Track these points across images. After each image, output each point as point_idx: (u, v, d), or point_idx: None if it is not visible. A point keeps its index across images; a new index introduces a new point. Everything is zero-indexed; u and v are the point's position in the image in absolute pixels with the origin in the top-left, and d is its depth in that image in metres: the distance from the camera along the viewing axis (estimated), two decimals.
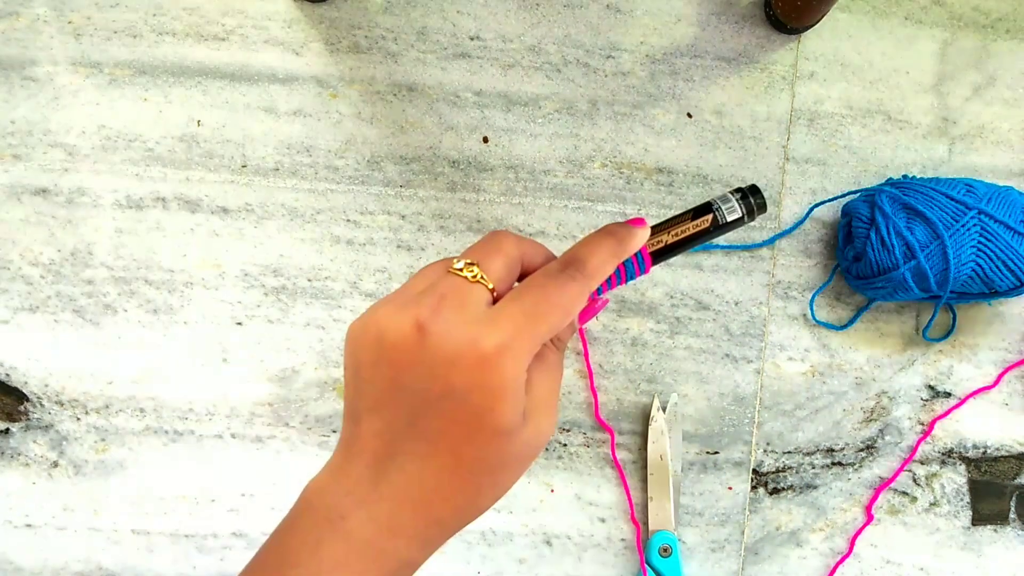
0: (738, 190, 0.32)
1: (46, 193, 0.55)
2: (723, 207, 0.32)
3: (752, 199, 0.32)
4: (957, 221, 0.49)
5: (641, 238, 0.32)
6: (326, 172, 0.56)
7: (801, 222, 0.56)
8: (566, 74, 0.56)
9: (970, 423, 0.57)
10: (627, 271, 0.32)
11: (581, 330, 0.56)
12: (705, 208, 0.32)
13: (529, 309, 0.27)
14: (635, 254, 0.32)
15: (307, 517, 0.29)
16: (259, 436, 0.55)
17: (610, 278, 0.32)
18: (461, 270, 0.29)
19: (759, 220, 0.56)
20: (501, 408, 0.27)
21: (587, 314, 0.32)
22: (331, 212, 0.55)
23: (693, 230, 0.32)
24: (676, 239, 0.32)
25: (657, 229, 0.33)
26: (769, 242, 0.56)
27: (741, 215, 0.32)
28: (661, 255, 0.32)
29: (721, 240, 0.56)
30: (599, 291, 0.32)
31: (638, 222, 0.32)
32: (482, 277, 0.29)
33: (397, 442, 0.28)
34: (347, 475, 0.28)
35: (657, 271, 0.56)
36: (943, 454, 0.56)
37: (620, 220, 0.34)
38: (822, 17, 0.55)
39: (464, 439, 0.27)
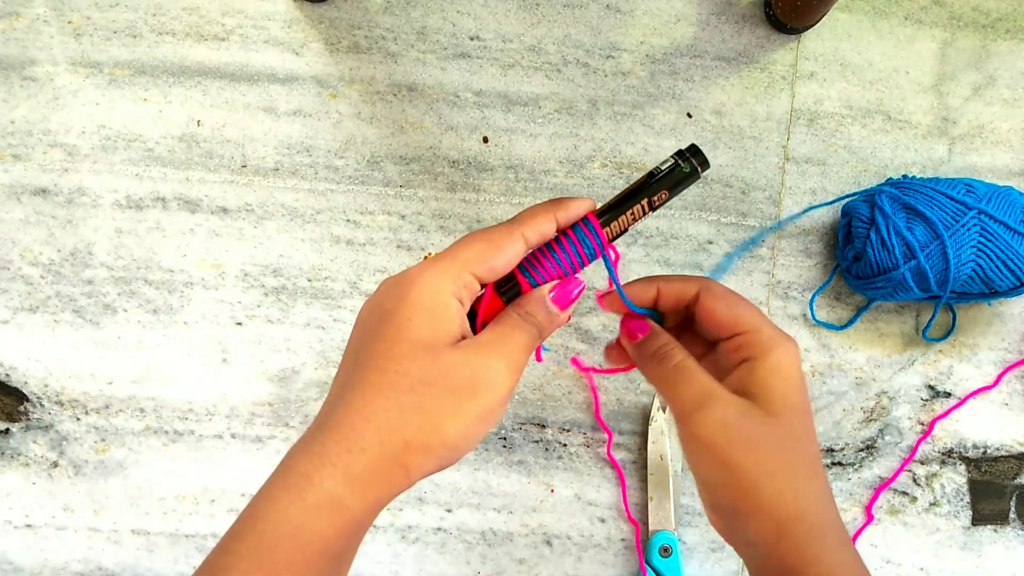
0: (678, 152, 0.34)
1: (46, 193, 0.55)
2: (660, 165, 0.34)
3: (688, 154, 0.34)
4: (957, 221, 0.49)
5: (581, 202, 0.34)
6: (326, 172, 0.56)
7: (795, 217, 0.56)
8: (566, 74, 0.56)
9: (970, 423, 0.57)
10: (580, 241, 0.33)
11: (609, 367, 0.56)
12: (646, 179, 0.35)
13: (457, 244, 0.31)
14: (585, 224, 0.33)
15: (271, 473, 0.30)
16: (259, 436, 0.55)
17: (570, 255, 0.33)
18: (427, 256, 0.32)
19: (758, 220, 0.56)
20: (417, 317, 0.29)
21: (563, 298, 0.33)
22: (331, 212, 0.55)
23: (631, 187, 0.34)
24: (616, 198, 0.34)
25: (605, 210, 0.34)
26: (760, 236, 0.56)
27: (675, 163, 0.33)
28: (606, 213, 0.34)
29: (722, 241, 0.56)
30: (562, 267, 0.33)
31: (584, 201, 0.34)
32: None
33: (345, 382, 0.29)
34: (309, 429, 0.30)
35: (657, 271, 0.56)
36: (943, 454, 0.56)
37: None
38: (822, 17, 0.55)
39: (384, 353, 0.29)
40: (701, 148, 0.34)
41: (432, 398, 0.28)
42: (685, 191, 0.35)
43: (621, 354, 0.38)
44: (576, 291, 0.33)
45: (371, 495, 0.28)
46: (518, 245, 0.32)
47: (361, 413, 0.28)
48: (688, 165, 0.33)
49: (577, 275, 0.34)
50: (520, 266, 0.34)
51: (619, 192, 0.34)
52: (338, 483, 0.27)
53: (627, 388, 0.55)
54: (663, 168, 0.34)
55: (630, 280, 0.37)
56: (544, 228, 0.32)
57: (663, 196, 0.34)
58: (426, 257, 0.33)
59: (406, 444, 0.28)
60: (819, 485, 0.32)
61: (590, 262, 0.34)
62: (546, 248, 0.34)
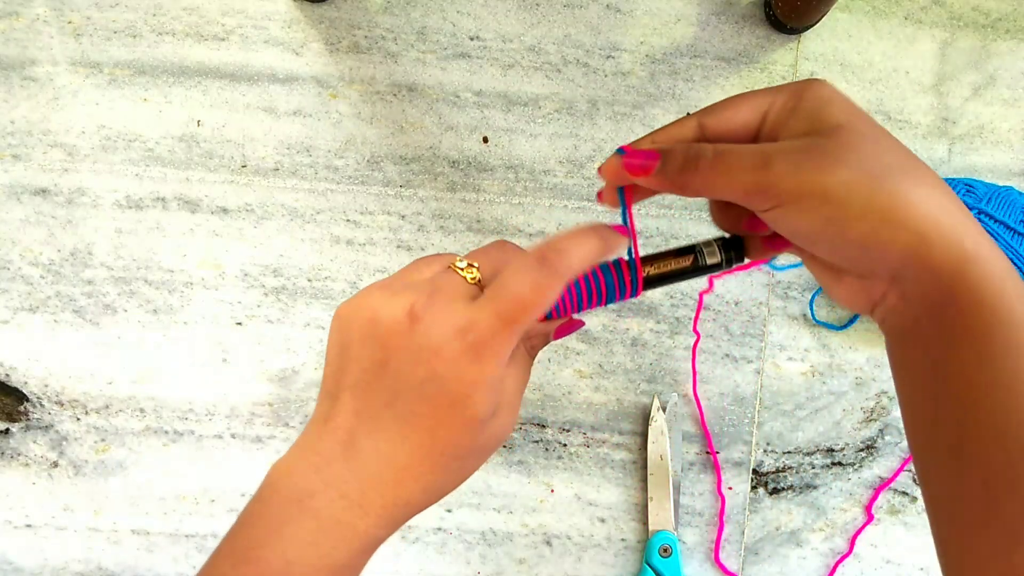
0: (721, 239, 0.33)
1: (46, 193, 0.55)
2: (704, 250, 0.33)
3: (733, 250, 0.33)
4: None
5: (624, 243, 0.31)
6: (326, 172, 0.56)
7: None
8: (566, 74, 0.56)
9: None
10: (619, 287, 0.32)
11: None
12: (688, 250, 0.33)
13: (507, 306, 0.28)
14: (628, 274, 0.32)
15: (274, 497, 0.29)
16: (259, 436, 0.55)
17: (602, 292, 0.32)
18: (463, 269, 0.30)
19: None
20: (478, 398, 0.28)
21: (563, 331, 0.33)
22: (331, 212, 0.55)
23: (675, 266, 0.33)
24: (658, 272, 0.33)
25: (643, 261, 0.33)
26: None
27: (719, 261, 0.33)
28: (649, 284, 0.33)
29: None
30: (590, 304, 0.32)
31: (620, 229, 0.32)
32: (480, 281, 0.30)
33: (374, 420, 0.28)
34: (317, 452, 0.29)
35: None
36: None
37: (619, 221, 0.34)
38: (822, 17, 0.55)
39: (440, 423, 0.28)
40: (743, 242, 0.33)
41: (472, 461, 0.30)
42: None
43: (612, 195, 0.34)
44: (577, 327, 0.34)
45: (395, 527, 0.30)
46: (559, 292, 0.29)
47: (409, 473, 0.29)
48: (728, 264, 0.33)
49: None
50: None
51: (660, 254, 0.33)
52: (380, 529, 0.29)
53: (627, 388, 0.56)
54: (708, 261, 0.33)
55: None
56: (587, 268, 0.30)
57: (685, 275, 0.33)
58: (454, 267, 0.30)
59: (441, 496, 0.31)
60: (931, 175, 0.27)
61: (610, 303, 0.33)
62: (583, 285, 0.32)
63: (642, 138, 0.32)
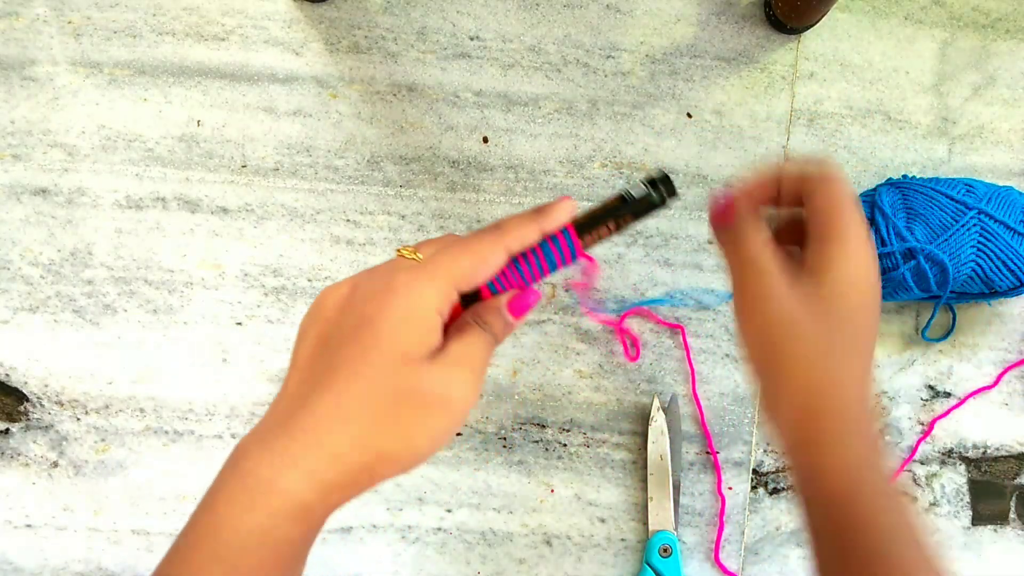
0: (649, 177, 0.35)
1: (46, 193, 0.55)
2: (632, 191, 0.35)
3: (661, 185, 0.35)
4: (957, 221, 0.49)
5: (562, 208, 0.33)
6: (326, 172, 0.56)
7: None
8: (566, 74, 0.56)
9: (970, 423, 0.57)
10: (556, 247, 0.33)
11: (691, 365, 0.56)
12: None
13: (443, 255, 0.30)
14: (563, 235, 0.33)
15: (220, 470, 0.29)
16: None
17: (544, 267, 0.33)
18: (408, 252, 0.32)
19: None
20: (401, 327, 0.28)
21: (520, 308, 0.33)
22: (331, 212, 0.55)
23: (602, 210, 0.34)
24: (586, 215, 0.34)
25: (583, 218, 0.35)
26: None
27: (648, 193, 0.34)
28: (582, 229, 0.34)
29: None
30: (532, 275, 0.33)
31: (562, 198, 0.34)
32: (415, 253, 0.31)
33: (314, 379, 0.29)
34: (263, 422, 0.29)
35: (657, 271, 0.56)
36: (943, 454, 0.56)
37: None
38: (822, 17, 0.55)
39: (364, 360, 0.28)
40: (671, 176, 0.35)
41: (407, 411, 0.28)
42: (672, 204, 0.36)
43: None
44: (533, 301, 0.33)
45: (336, 499, 0.28)
46: (500, 257, 0.31)
47: (334, 420, 0.28)
48: (658, 195, 0.34)
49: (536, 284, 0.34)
50: None
51: (590, 209, 0.35)
52: (305, 489, 0.27)
53: (627, 388, 0.56)
54: (635, 196, 0.34)
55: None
56: (528, 239, 0.32)
57: (628, 219, 0.34)
58: (399, 252, 0.32)
59: (379, 454, 0.28)
60: (852, 373, 0.32)
61: (554, 271, 0.34)
62: (519, 257, 0.33)
63: (738, 189, 0.37)
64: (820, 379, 0.31)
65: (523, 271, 0.33)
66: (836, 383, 0.31)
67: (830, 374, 0.31)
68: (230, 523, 0.27)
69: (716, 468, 0.55)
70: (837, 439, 0.31)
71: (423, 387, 0.28)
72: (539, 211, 0.33)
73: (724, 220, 0.36)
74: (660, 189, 0.34)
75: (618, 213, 0.34)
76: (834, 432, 0.31)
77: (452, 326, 0.31)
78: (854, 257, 0.32)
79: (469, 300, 0.33)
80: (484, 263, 0.31)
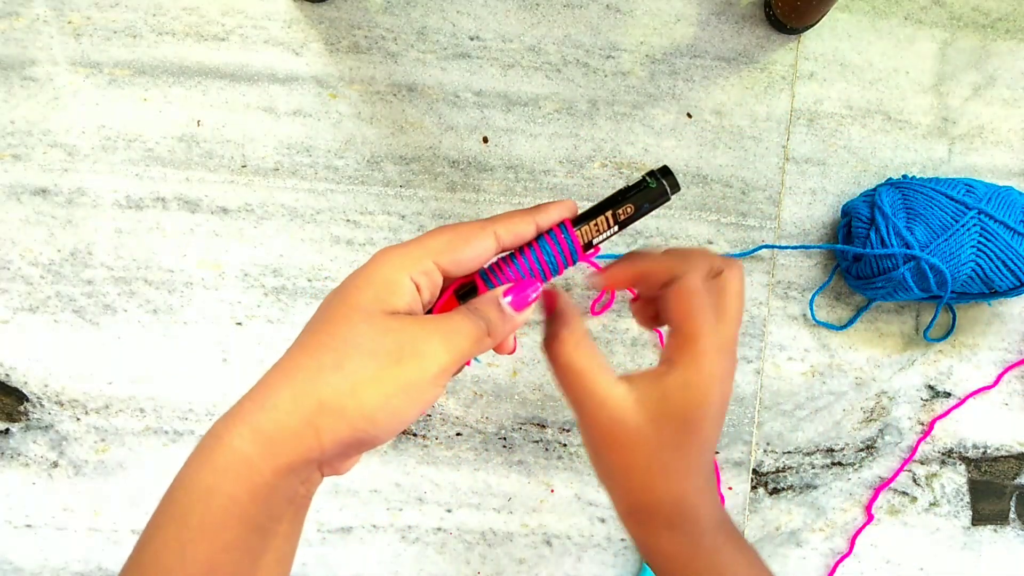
0: (652, 171, 0.35)
1: (46, 193, 0.55)
2: (631, 183, 0.35)
3: (660, 174, 0.34)
4: (957, 221, 0.49)
5: (559, 206, 0.33)
6: (326, 172, 0.56)
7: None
8: (566, 74, 0.56)
9: (970, 423, 0.57)
10: (553, 241, 0.33)
11: None
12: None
13: (426, 233, 0.31)
14: (560, 229, 0.33)
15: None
16: None
17: (540, 261, 0.33)
18: None
19: (758, 220, 0.56)
20: (364, 286, 0.29)
21: (519, 299, 0.32)
22: (331, 212, 0.55)
23: (602, 201, 0.34)
24: (587, 211, 0.34)
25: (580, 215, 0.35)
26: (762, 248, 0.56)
27: (646, 183, 0.34)
28: (579, 222, 0.34)
29: (722, 241, 0.56)
30: (531, 272, 0.33)
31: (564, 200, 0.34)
32: None
33: (295, 346, 0.29)
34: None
35: None
36: (943, 454, 0.56)
37: None
38: (822, 17, 0.55)
39: (321, 315, 0.29)
40: (673, 171, 0.35)
41: (353, 359, 0.27)
42: (670, 200, 0.36)
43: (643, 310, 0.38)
44: (533, 293, 0.32)
45: (281, 458, 0.26)
46: (488, 241, 0.31)
47: (281, 370, 0.27)
48: (656, 183, 0.34)
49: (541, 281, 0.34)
50: (482, 271, 0.33)
51: (591, 205, 0.35)
52: (246, 442, 0.26)
53: None
54: (633, 185, 0.34)
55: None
56: (520, 229, 0.32)
57: (628, 210, 0.34)
58: None
59: (320, 404, 0.26)
60: (677, 486, 0.33)
61: (556, 272, 0.34)
62: (516, 252, 0.33)
63: (633, 258, 0.35)
64: (646, 488, 0.32)
65: (521, 267, 0.33)
66: (663, 490, 0.32)
67: (657, 484, 0.32)
68: (182, 481, 0.27)
69: (714, 468, 0.55)
70: (669, 538, 0.33)
71: (375, 336, 0.27)
72: (536, 207, 0.33)
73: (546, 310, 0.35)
74: (660, 180, 0.34)
75: (617, 204, 0.34)
76: (664, 532, 0.33)
77: (444, 308, 0.32)
78: (686, 396, 0.33)
79: (468, 298, 0.33)
80: (465, 241, 0.30)
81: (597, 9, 0.57)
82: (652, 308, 0.37)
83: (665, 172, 0.34)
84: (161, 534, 0.27)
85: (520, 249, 0.33)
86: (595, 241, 0.34)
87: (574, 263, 0.34)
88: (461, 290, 0.33)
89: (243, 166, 0.55)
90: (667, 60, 0.57)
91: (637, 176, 0.56)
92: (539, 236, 0.33)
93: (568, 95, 0.56)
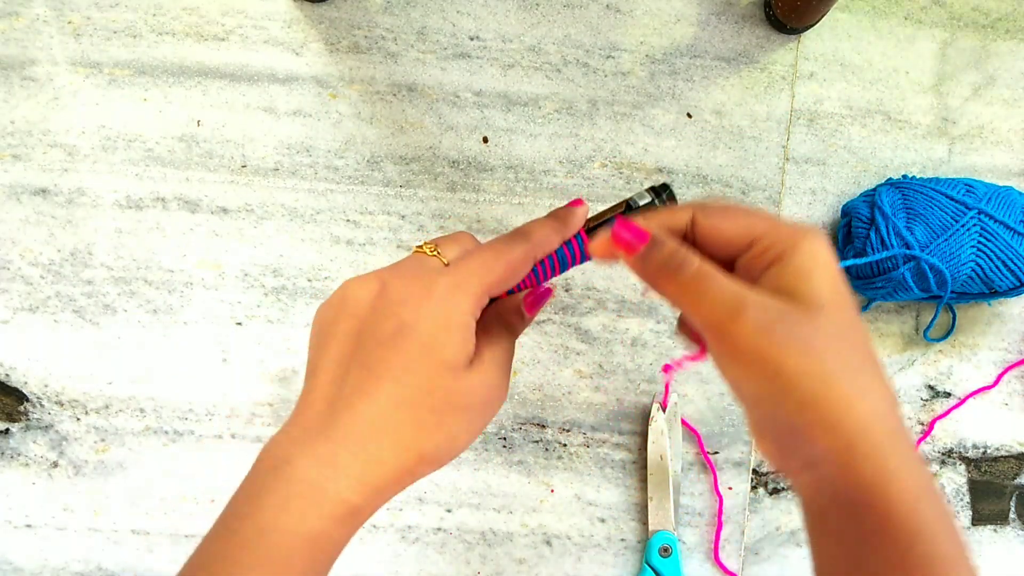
0: (652, 186, 0.36)
1: (46, 193, 0.55)
2: (636, 198, 0.36)
3: (664, 193, 0.36)
4: (957, 221, 0.49)
5: (580, 215, 0.34)
6: (326, 172, 0.56)
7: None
8: (566, 74, 0.56)
9: (970, 423, 0.57)
10: (569, 253, 0.35)
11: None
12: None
13: (476, 262, 0.31)
14: (575, 238, 0.35)
15: (257, 469, 0.29)
16: (259, 436, 0.55)
17: (555, 262, 0.35)
18: (422, 247, 0.32)
19: None
20: (444, 338, 0.29)
21: (535, 303, 0.34)
22: (331, 212, 0.55)
23: (609, 214, 0.36)
24: (596, 222, 0.36)
25: (589, 221, 0.36)
26: None
27: (651, 200, 0.35)
28: (591, 232, 0.36)
29: None
30: (545, 276, 0.35)
31: (576, 202, 0.35)
32: (438, 253, 0.32)
33: (349, 383, 0.29)
34: (297, 424, 0.29)
35: None
36: (943, 454, 0.56)
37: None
38: (822, 17, 0.55)
39: (408, 369, 0.29)
40: (672, 188, 0.36)
41: (452, 417, 0.29)
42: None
43: (688, 330, 0.36)
44: (546, 298, 0.35)
45: (381, 500, 0.29)
46: (529, 267, 0.33)
47: (378, 426, 0.28)
48: (660, 203, 0.35)
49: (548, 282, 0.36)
50: None
51: (598, 213, 0.36)
52: (355, 494, 0.28)
53: (627, 388, 0.56)
54: (640, 203, 0.35)
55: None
56: (551, 247, 0.34)
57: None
58: (419, 249, 0.32)
59: (420, 457, 0.29)
60: (883, 385, 0.28)
61: (565, 271, 0.36)
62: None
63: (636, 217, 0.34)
64: (853, 392, 0.27)
65: (538, 273, 0.34)
66: (881, 405, 0.27)
67: (861, 382, 0.27)
68: (281, 527, 0.27)
69: (710, 467, 0.55)
70: (880, 449, 0.27)
71: (464, 393, 0.29)
72: (560, 219, 0.34)
73: (635, 247, 0.31)
74: (663, 197, 0.36)
75: (624, 214, 0.35)
76: (904, 464, 0.27)
77: (478, 325, 0.32)
78: (825, 257, 0.29)
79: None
80: (515, 274, 0.32)
81: (597, 9, 0.57)
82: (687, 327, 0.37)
83: (667, 191, 0.36)
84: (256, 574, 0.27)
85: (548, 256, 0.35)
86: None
87: (581, 264, 0.36)
88: None
89: (243, 166, 0.55)
90: (667, 60, 0.57)
91: (639, 176, 0.56)
92: (568, 246, 0.35)
93: (568, 95, 0.56)
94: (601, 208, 0.37)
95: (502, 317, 0.33)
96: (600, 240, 0.31)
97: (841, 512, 0.27)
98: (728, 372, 0.29)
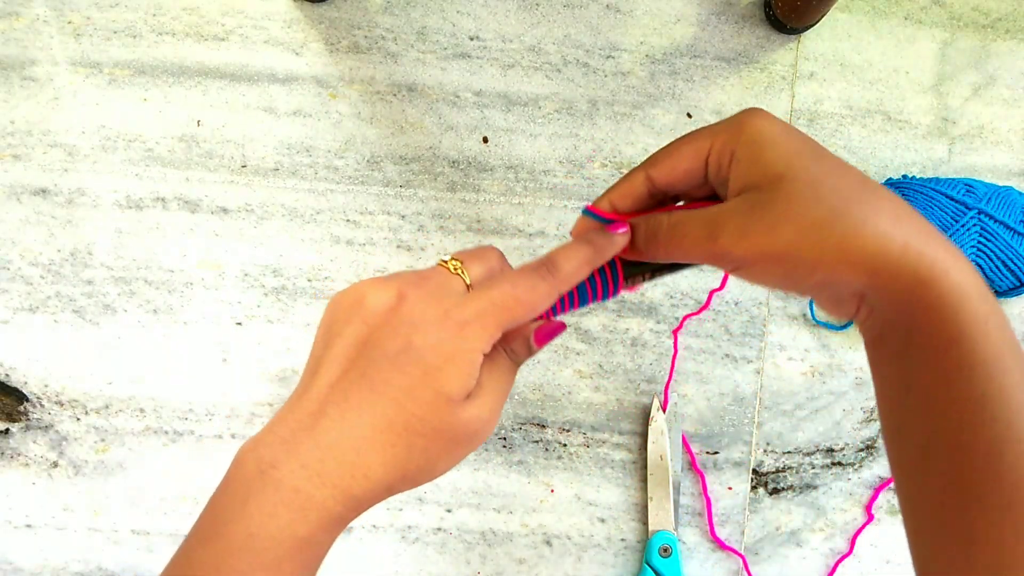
0: None
1: (46, 193, 0.55)
2: None
3: None
4: (957, 221, 0.49)
5: (619, 244, 0.32)
6: (326, 172, 0.56)
7: None
8: (566, 74, 0.56)
9: None
10: (599, 284, 0.33)
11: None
12: None
13: (497, 297, 0.30)
14: (608, 269, 0.33)
15: (239, 472, 0.29)
16: None
17: (574, 297, 0.33)
18: (447, 263, 0.32)
19: None
20: (450, 371, 0.28)
21: (545, 337, 0.33)
22: (331, 212, 0.55)
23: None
24: (631, 259, 0.34)
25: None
26: None
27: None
28: (629, 271, 0.34)
29: None
30: (563, 308, 0.33)
31: (617, 227, 0.32)
32: (462, 272, 0.31)
33: (346, 391, 0.29)
34: (286, 423, 0.29)
35: None
36: None
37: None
38: (822, 17, 0.55)
39: (407, 394, 0.28)
40: None
41: (440, 445, 0.29)
42: None
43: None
44: (558, 333, 0.33)
45: (360, 510, 0.30)
46: (551, 303, 0.31)
47: (369, 442, 0.28)
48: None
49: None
50: None
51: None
52: (337, 503, 0.28)
53: (627, 388, 0.56)
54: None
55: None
56: (580, 279, 0.32)
57: (664, 272, 0.34)
58: (443, 264, 0.31)
59: (403, 476, 0.29)
60: (887, 198, 0.27)
61: (585, 305, 0.34)
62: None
63: (599, 198, 0.33)
64: (900, 208, 0.27)
65: (556, 306, 0.33)
66: (912, 213, 0.27)
67: (905, 226, 0.27)
68: (270, 533, 0.28)
69: (699, 474, 0.55)
70: (953, 266, 0.26)
71: (458, 425, 0.29)
72: (595, 248, 0.32)
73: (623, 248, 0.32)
74: None
75: (659, 266, 0.33)
76: (948, 259, 0.26)
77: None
78: (767, 130, 0.29)
79: None
80: (534, 311, 0.30)
81: (597, 9, 0.57)
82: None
83: None
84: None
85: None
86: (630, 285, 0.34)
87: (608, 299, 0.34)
88: None
89: (243, 166, 0.55)
90: (667, 60, 0.57)
91: None
92: (602, 283, 0.33)
93: (568, 95, 0.56)
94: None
95: (508, 344, 0.32)
96: (580, 227, 0.33)
97: (890, 332, 0.28)
98: (751, 280, 0.30)
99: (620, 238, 0.32)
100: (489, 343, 0.29)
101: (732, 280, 0.56)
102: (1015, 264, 0.49)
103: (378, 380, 0.29)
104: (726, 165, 0.30)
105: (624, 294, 0.56)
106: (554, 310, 0.33)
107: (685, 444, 0.55)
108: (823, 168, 0.28)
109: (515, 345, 0.32)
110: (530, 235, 0.56)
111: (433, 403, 0.28)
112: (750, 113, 0.30)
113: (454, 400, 0.29)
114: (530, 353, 0.33)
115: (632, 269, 0.33)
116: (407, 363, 0.28)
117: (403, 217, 0.56)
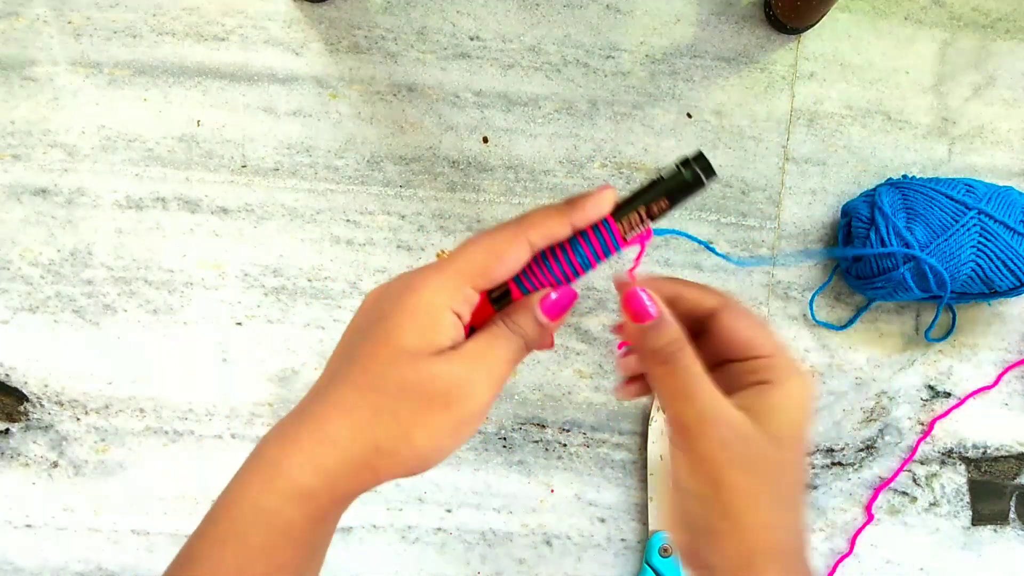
0: (684, 158, 0.32)
1: (46, 193, 0.55)
2: (664, 172, 0.32)
3: (696, 164, 0.31)
4: (957, 221, 0.49)
5: (597, 200, 0.31)
6: (326, 172, 0.56)
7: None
8: (566, 74, 0.56)
9: (970, 423, 0.57)
10: (586, 242, 0.31)
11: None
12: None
13: (459, 251, 0.30)
14: (603, 225, 0.31)
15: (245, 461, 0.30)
16: (259, 436, 0.55)
17: (570, 256, 0.31)
18: (442, 253, 0.33)
19: (758, 220, 0.56)
20: (405, 324, 0.28)
21: (555, 308, 0.31)
22: (331, 212, 0.55)
23: (642, 196, 0.32)
24: (620, 201, 0.32)
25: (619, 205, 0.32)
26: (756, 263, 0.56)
27: (678, 172, 0.31)
28: (618, 218, 0.32)
29: (722, 241, 0.56)
30: (564, 272, 0.31)
31: (603, 188, 0.31)
32: (443, 252, 0.33)
33: (333, 375, 0.30)
34: (288, 413, 0.30)
35: (657, 271, 0.56)
36: (943, 454, 0.56)
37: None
38: (822, 17, 0.55)
39: (373, 355, 0.29)
40: (707, 155, 0.32)
41: (406, 406, 0.28)
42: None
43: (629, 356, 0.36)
44: (568, 301, 0.32)
45: (339, 489, 0.28)
46: (522, 252, 0.30)
47: (338, 407, 0.29)
48: (690, 173, 0.31)
49: (572, 283, 0.32)
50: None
51: (625, 197, 0.32)
52: (307, 473, 0.28)
53: None
54: (667, 176, 0.31)
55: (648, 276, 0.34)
56: (555, 233, 0.31)
57: (663, 205, 0.32)
58: (439, 255, 0.33)
59: (376, 447, 0.28)
60: (799, 519, 0.31)
61: (590, 270, 0.32)
62: (547, 252, 0.31)
63: (671, 282, 0.33)
64: (774, 521, 0.29)
65: (554, 269, 0.31)
66: (791, 537, 0.30)
67: (783, 516, 0.30)
68: (242, 502, 0.28)
69: None
70: None
71: (425, 382, 0.28)
72: (570, 203, 0.31)
73: (643, 318, 0.31)
74: (694, 168, 0.31)
75: (650, 197, 0.31)
76: None
77: (480, 323, 0.31)
78: (805, 400, 0.30)
79: (503, 303, 0.32)
80: (499, 258, 0.29)
81: (597, 9, 0.57)
82: (640, 374, 0.35)
83: (699, 158, 0.31)
84: (219, 551, 0.28)
85: (552, 249, 0.31)
86: (626, 237, 0.32)
87: (611, 257, 0.32)
88: (494, 292, 0.32)
89: (243, 166, 0.55)
90: (667, 60, 0.57)
91: (639, 176, 0.56)
92: (588, 233, 0.31)
93: (568, 95, 0.56)
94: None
95: (509, 317, 0.31)
96: (624, 283, 0.32)
97: None
98: (676, 461, 0.31)
99: (602, 192, 0.31)
100: (452, 294, 0.29)
101: (732, 280, 0.56)
102: (1015, 264, 0.49)
103: (355, 353, 0.30)
104: (758, 379, 0.31)
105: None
106: (556, 277, 0.31)
107: None
108: (798, 461, 0.30)
109: (518, 318, 0.31)
110: None
111: (392, 357, 0.28)
112: (807, 375, 0.32)
113: (415, 353, 0.28)
114: (541, 329, 0.31)
115: (622, 211, 0.31)
116: (374, 329, 0.29)
117: (403, 217, 0.56)
